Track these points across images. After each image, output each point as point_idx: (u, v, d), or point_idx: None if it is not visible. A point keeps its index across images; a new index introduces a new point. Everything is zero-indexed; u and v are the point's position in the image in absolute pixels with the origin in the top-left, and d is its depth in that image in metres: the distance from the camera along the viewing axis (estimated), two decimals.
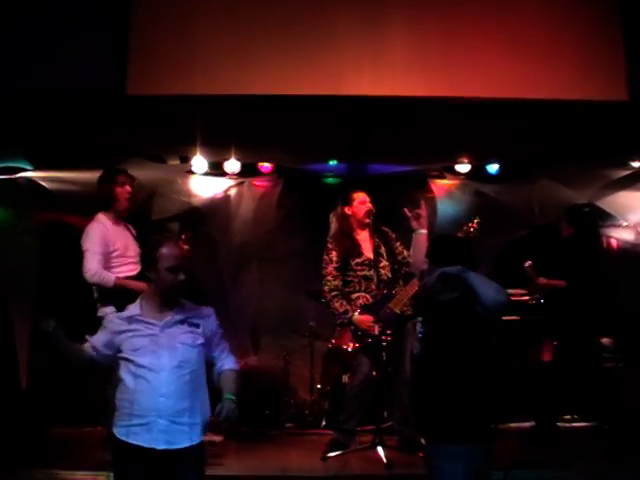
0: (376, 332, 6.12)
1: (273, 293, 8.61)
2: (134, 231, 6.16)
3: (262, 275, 8.70)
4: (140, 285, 4.89)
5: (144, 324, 4.13)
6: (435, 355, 4.00)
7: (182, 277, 4.10)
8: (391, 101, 6.00)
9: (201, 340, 4.17)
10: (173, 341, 4.09)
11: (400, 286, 6.39)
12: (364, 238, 6.48)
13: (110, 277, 5.84)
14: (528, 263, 6.64)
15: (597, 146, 7.19)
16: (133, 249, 5.95)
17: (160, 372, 4.01)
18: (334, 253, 6.36)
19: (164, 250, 4.10)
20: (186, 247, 6.10)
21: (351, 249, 6.38)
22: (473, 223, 6.00)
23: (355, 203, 6.47)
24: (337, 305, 6.30)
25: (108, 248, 5.89)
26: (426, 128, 6.71)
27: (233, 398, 4.08)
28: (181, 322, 4.14)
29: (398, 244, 6.44)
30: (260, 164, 8.63)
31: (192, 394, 4.07)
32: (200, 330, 4.17)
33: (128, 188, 6.11)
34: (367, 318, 6.25)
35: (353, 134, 6.96)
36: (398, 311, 6.27)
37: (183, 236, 6.39)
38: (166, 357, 4.05)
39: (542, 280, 6.87)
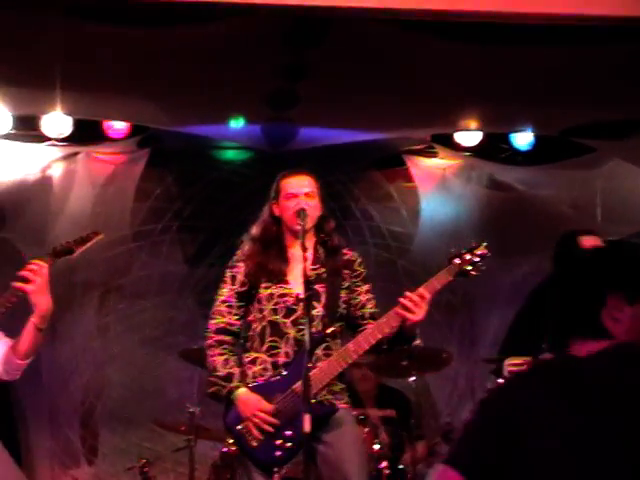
0: (261, 435, 4.16)
1: (124, 353, 7.07)
2: None
3: (105, 321, 7.06)
4: None
5: None
6: None
7: None
8: (341, 13, 4.70)
9: None
10: None
11: (334, 352, 4.44)
12: (296, 259, 4.58)
13: None
14: None
15: None
16: None
17: None
18: (241, 268, 4.54)
19: None
20: None
21: (267, 267, 4.52)
22: (476, 250, 4.19)
23: (281, 196, 4.55)
24: (216, 361, 4.28)
25: None
26: (403, 63, 5.59)
27: None
28: None
29: (365, 288, 4.44)
30: (107, 123, 6.93)
31: None
32: None
33: None
34: (258, 404, 4.30)
35: (275, 71, 5.77)
36: (314, 400, 4.35)
37: None
38: None
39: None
